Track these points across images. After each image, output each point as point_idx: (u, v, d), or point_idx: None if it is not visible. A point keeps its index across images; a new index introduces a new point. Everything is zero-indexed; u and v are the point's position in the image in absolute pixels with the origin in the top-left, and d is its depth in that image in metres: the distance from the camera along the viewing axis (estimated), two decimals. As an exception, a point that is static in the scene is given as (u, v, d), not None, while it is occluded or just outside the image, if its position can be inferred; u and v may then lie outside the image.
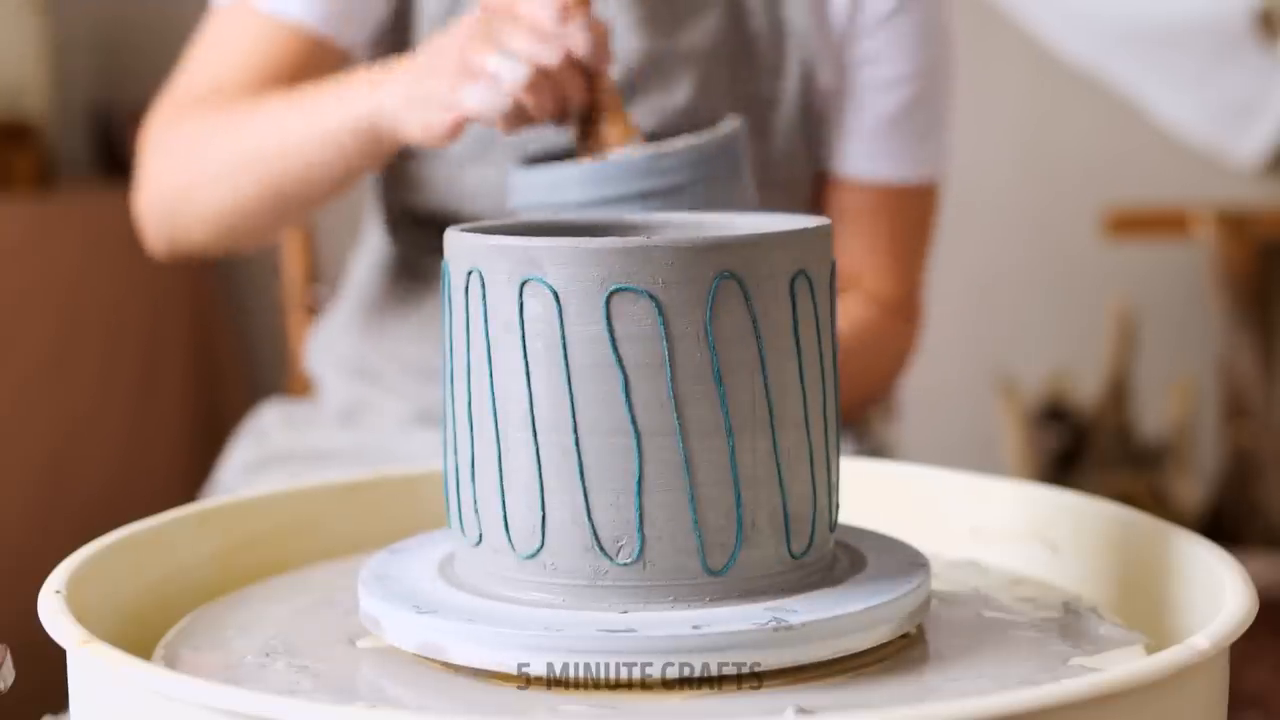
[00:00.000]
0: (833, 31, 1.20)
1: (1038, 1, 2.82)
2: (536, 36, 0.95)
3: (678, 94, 1.16)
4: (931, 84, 1.22)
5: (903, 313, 1.26)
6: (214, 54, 1.19)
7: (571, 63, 0.96)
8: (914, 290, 1.28)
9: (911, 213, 1.26)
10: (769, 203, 1.20)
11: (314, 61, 1.17)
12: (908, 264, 1.27)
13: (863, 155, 1.22)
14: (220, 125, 1.14)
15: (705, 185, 0.96)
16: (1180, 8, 2.72)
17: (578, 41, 0.96)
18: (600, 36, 0.97)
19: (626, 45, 1.15)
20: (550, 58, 0.95)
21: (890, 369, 1.27)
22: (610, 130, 0.98)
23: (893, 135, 1.22)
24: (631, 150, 0.97)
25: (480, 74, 0.96)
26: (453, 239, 0.70)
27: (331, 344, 1.31)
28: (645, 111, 1.16)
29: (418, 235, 1.23)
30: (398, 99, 1.02)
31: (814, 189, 1.25)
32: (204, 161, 1.15)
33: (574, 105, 0.98)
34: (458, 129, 0.99)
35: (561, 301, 0.66)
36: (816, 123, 1.21)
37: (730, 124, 1.01)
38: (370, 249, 1.30)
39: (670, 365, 0.66)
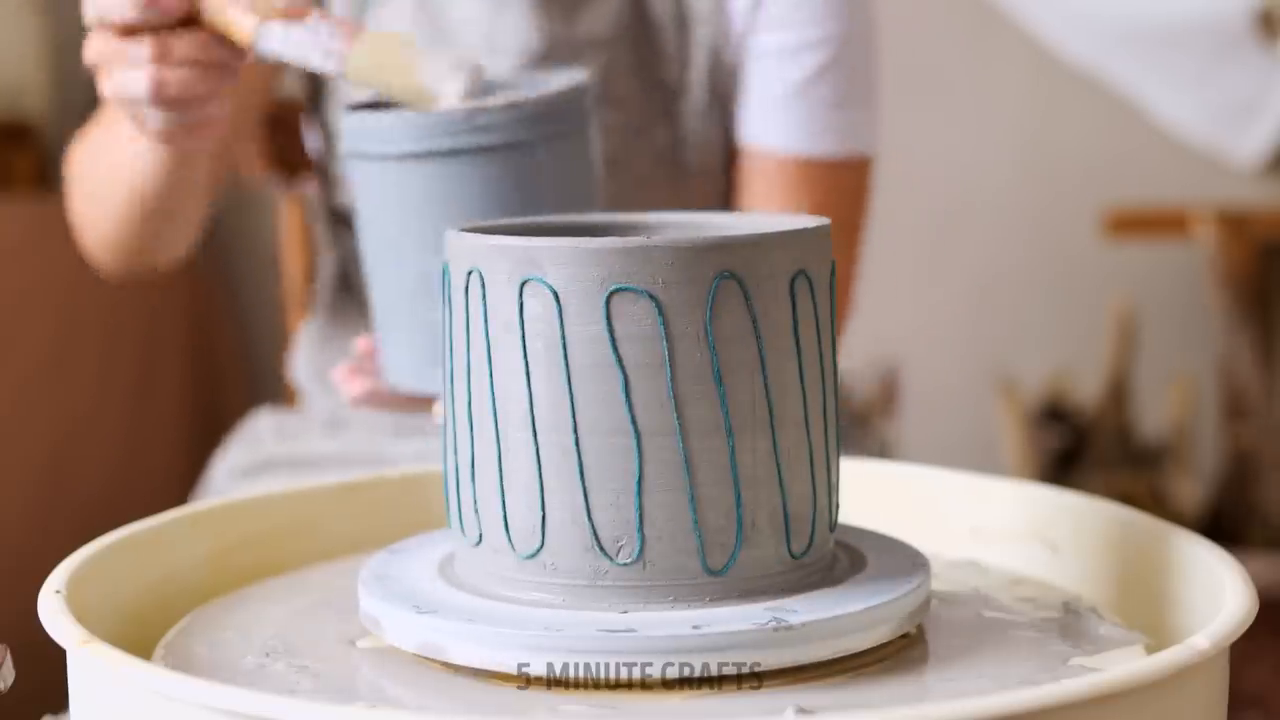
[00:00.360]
0: (736, 11, 1.18)
1: (1038, 1, 2.82)
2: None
3: None
4: (846, 51, 1.18)
5: (848, 256, 1.23)
6: None
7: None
8: (840, 275, 1.23)
9: (833, 189, 1.20)
10: (683, 190, 1.18)
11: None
12: (849, 222, 1.22)
13: (772, 125, 1.18)
14: (84, 147, 1.19)
15: (541, 145, 0.89)
16: (1180, 8, 2.72)
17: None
18: None
19: (524, 30, 1.14)
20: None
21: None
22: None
23: (801, 104, 1.17)
24: (460, 103, 0.89)
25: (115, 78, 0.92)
26: (453, 239, 0.70)
27: (308, 357, 1.31)
28: None
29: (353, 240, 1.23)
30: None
31: (730, 175, 1.22)
32: (78, 187, 1.20)
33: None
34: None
35: (561, 301, 0.66)
36: (728, 107, 1.19)
37: (572, 77, 0.93)
38: (325, 259, 1.30)
39: (670, 365, 0.66)
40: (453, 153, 0.88)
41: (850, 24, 1.18)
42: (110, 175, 1.14)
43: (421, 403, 0.95)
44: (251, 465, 1.26)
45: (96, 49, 0.91)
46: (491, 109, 0.87)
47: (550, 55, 1.14)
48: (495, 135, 0.88)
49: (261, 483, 1.24)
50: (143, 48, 0.88)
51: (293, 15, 0.88)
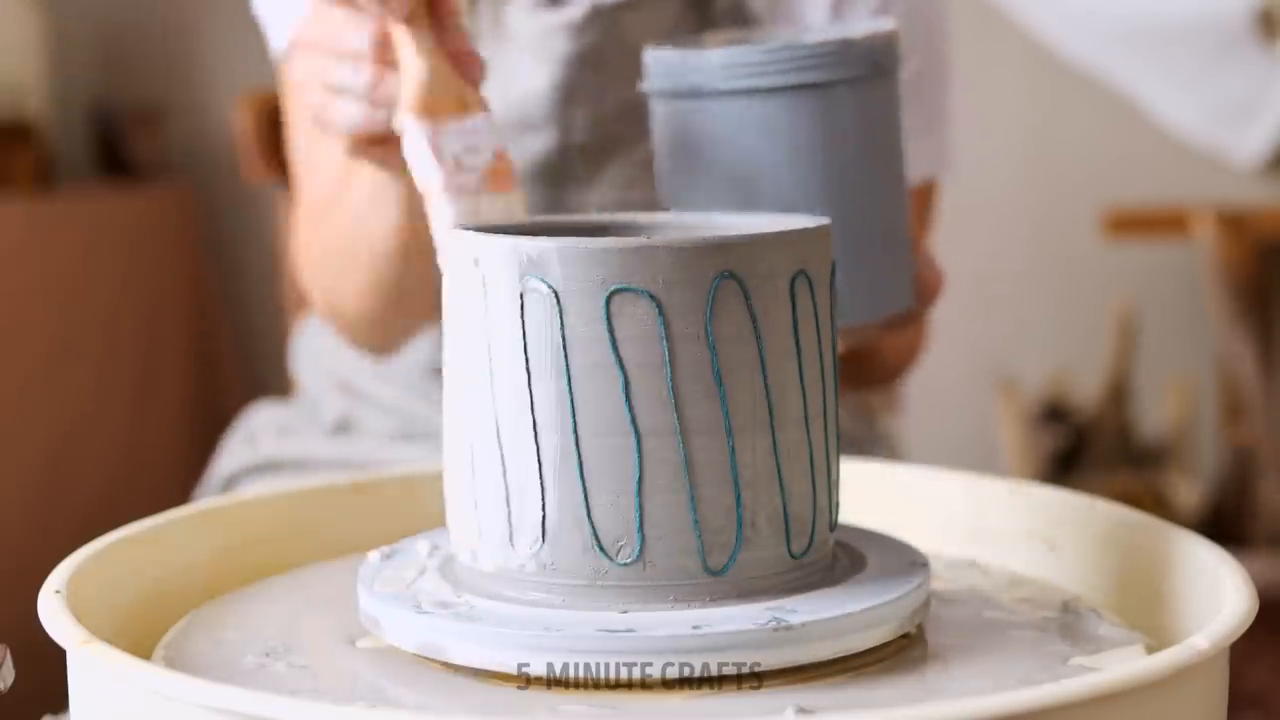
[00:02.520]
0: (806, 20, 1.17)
1: (1038, 1, 2.82)
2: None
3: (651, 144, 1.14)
4: (925, 79, 1.20)
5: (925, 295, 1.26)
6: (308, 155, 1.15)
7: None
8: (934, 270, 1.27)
9: (924, 205, 1.24)
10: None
11: None
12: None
13: None
14: (336, 221, 1.09)
15: (859, 86, 0.88)
16: (1180, 8, 2.72)
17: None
18: None
19: (597, 101, 1.12)
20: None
21: (910, 358, 1.27)
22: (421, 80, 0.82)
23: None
24: (784, 39, 0.89)
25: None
26: (453, 238, 0.70)
27: (317, 356, 1.31)
28: (620, 160, 1.14)
29: None
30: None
31: None
32: (324, 270, 1.12)
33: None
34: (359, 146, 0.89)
35: (562, 301, 0.66)
36: None
37: (881, 24, 0.93)
38: None
39: (670, 365, 0.66)
40: (785, 89, 0.87)
41: (931, 48, 1.20)
42: (355, 232, 1.06)
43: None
44: (249, 467, 1.26)
45: (305, 67, 0.87)
46: (835, 43, 0.87)
47: (623, 122, 1.12)
48: (825, 73, 0.87)
49: (260, 485, 1.24)
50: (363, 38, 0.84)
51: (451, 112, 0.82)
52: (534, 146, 1.12)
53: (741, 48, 0.89)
